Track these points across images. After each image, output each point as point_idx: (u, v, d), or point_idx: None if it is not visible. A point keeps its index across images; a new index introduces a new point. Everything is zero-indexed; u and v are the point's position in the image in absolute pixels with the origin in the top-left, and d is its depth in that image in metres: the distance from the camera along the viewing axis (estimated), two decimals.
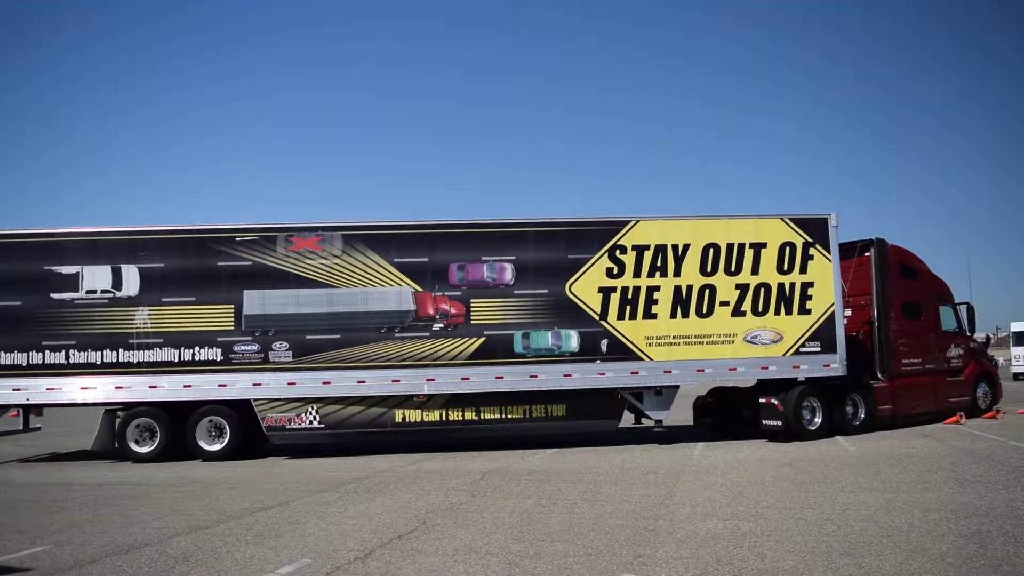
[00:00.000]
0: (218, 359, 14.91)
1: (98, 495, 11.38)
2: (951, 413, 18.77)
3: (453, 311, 15.29)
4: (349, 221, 15.61)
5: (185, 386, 14.87)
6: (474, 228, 15.80)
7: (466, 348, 15.23)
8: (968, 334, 20.09)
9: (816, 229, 16.49)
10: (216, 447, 15.06)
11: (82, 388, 14.88)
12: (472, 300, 15.34)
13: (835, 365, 16.32)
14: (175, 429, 15.01)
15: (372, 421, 15.16)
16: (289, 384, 14.95)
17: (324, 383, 14.97)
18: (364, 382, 15.02)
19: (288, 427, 15.00)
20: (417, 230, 15.73)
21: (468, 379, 15.18)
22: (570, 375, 15.42)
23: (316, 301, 15.10)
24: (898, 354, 17.83)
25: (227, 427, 15.05)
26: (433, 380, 15.12)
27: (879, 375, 17.51)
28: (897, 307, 17.90)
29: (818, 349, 16.24)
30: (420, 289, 15.27)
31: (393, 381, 15.05)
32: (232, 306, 14.99)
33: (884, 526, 7.92)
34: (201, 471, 13.76)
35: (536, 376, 15.33)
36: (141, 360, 14.84)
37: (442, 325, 15.26)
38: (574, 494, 10.38)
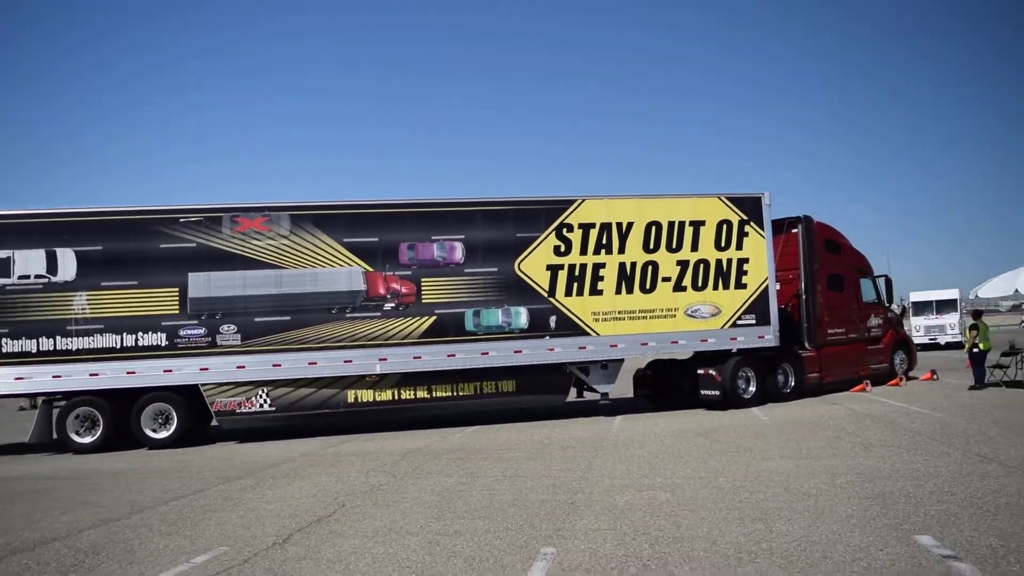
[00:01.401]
0: (163, 344, 14.52)
1: (3, 490, 10.94)
2: (878, 378, 19.90)
3: (404, 290, 15.29)
4: (297, 201, 15.41)
5: (128, 372, 14.42)
6: (424, 207, 15.81)
7: (418, 327, 15.27)
8: (886, 305, 21.25)
9: (751, 207, 17.15)
10: (163, 435, 14.70)
11: (16, 379, 14.26)
12: (423, 279, 15.38)
13: (769, 336, 17.09)
14: (119, 417, 14.58)
15: (324, 402, 15.06)
16: (239, 368, 14.70)
17: (274, 365, 14.78)
18: (315, 363, 14.89)
19: (238, 411, 14.78)
20: (367, 209, 15.63)
21: (420, 358, 15.24)
22: (520, 351, 15.66)
23: (264, 283, 14.86)
24: (824, 325, 18.74)
25: (173, 414, 14.71)
26: (385, 360, 15.12)
27: (807, 345, 18.36)
28: (823, 280, 18.77)
29: (753, 321, 16.96)
30: (371, 269, 15.21)
31: (345, 362, 14.98)
32: (176, 289, 14.60)
33: (794, 491, 8.22)
34: (126, 460, 13.40)
35: (487, 353, 15.51)
36: (80, 347, 14.30)
37: (393, 304, 15.25)
38: (495, 471, 10.44)
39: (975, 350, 18.52)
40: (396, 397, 15.37)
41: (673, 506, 7.76)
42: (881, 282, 21.03)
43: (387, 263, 15.29)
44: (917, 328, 38.46)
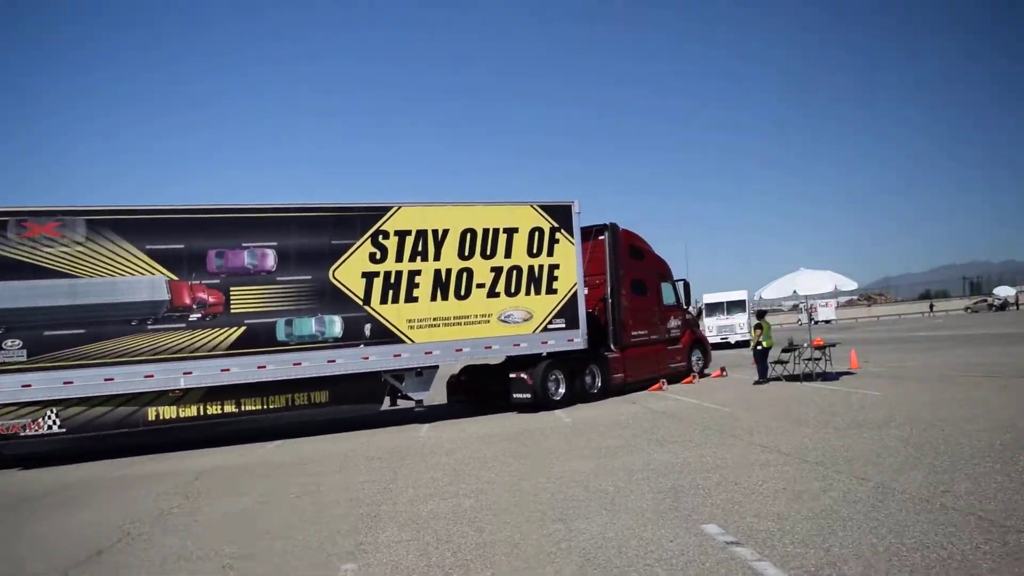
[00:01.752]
0: None
1: None
2: (678, 376, 21.19)
3: (212, 300, 14.66)
4: (93, 205, 14.35)
5: None
6: (233, 213, 15.20)
7: (226, 338, 14.70)
8: (684, 307, 22.65)
9: (561, 215, 17.79)
10: None
11: None
12: (232, 288, 14.79)
13: (578, 340, 17.80)
14: None
15: (121, 421, 14.16)
16: (24, 386, 13.48)
17: (65, 383, 13.69)
18: (112, 379, 13.96)
19: (23, 434, 13.63)
20: (171, 215, 14.82)
21: (229, 370, 14.68)
22: (334, 360, 15.43)
23: (55, 293, 13.75)
24: (628, 327, 19.77)
25: None
26: (191, 373, 14.44)
27: (612, 347, 19.32)
28: (627, 285, 19.80)
29: (563, 325, 17.61)
30: (175, 278, 14.43)
31: (146, 377, 14.15)
32: None
33: (593, 490, 8.52)
34: None
35: (300, 364, 15.17)
36: None
37: (200, 315, 14.58)
38: (295, 487, 10.18)
39: (759, 348, 19.88)
40: (202, 412, 14.72)
41: (477, 512, 7.89)
42: (680, 286, 22.40)
43: (194, 271, 14.58)
44: (710, 328, 39.90)
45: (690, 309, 23.77)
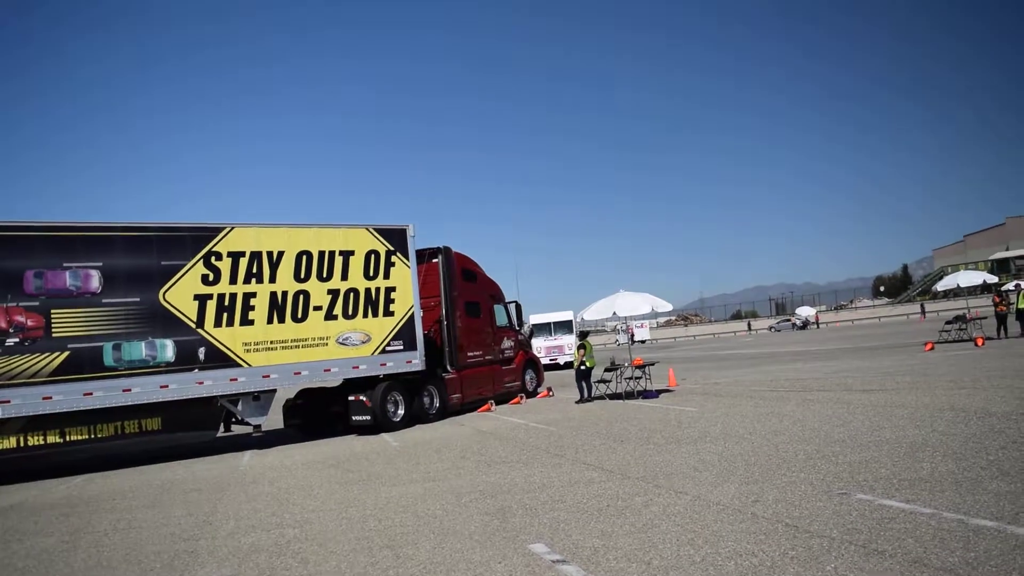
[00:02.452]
0: None
1: None
2: (510, 396, 21.80)
3: (30, 323, 13.84)
4: None
5: None
6: (53, 231, 14.40)
7: (47, 364, 13.89)
8: (517, 328, 23.44)
9: (397, 238, 18.13)
10: None
11: None
12: (53, 310, 14.02)
13: (416, 361, 18.12)
14: None
15: None
16: None
17: None
18: None
19: None
20: None
21: (51, 398, 13.86)
22: (167, 386, 14.94)
23: None
24: (463, 348, 20.27)
25: None
26: (8, 402, 13.53)
27: (449, 368, 19.73)
28: (461, 307, 20.33)
29: (401, 347, 17.88)
30: None
31: None
32: None
33: (421, 514, 8.46)
34: None
35: (130, 390, 14.56)
36: None
37: (17, 339, 13.71)
38: (105, 524, 9.60)
39: (582, 367, 20.35)
40: (22, 443, 13.78)
41: (301, 543, 7.71)
42: (512, 307, 23.19)
43: (9, 293, 13.72)
44: (538, 349, 38.24)
45: (522, 330, 24.57)
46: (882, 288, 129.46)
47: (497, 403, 21.00)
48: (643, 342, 73.03)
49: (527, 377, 23.47)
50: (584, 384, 20.29)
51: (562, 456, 11.66)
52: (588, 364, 20.38)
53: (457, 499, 9.13)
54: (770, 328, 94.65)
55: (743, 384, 21.06)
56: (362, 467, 12.55)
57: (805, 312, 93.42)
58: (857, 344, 38.28)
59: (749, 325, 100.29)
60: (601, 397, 20.28)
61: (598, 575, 5.89)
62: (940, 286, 35.31)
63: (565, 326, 40.91)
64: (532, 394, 23.20)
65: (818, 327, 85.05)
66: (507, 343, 22.67)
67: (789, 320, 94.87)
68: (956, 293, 67.04)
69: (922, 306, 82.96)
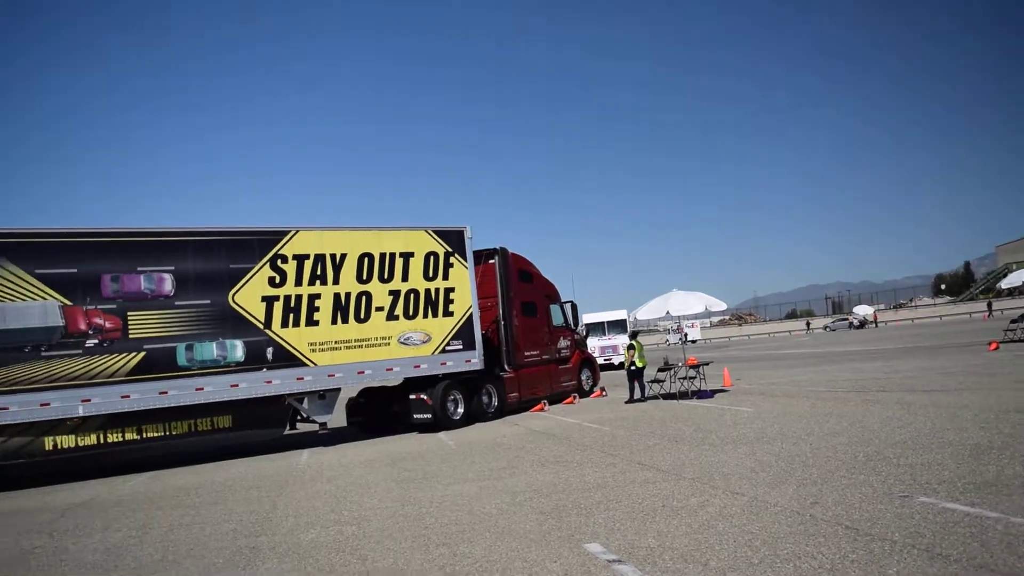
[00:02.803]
0: None
1: None
2: (566, 395, 22.01)
3: (108, 325, 14.48)
4: None
5: None
6: (128, 237, 15.06)
7: (125, 364, 14.52)
8: (573, 328, 23.62)
9: (455, 240, 18.48)
10: None
11: None
12: (129, 313, 14.66)
13: (475, 360, 18.45)
14: None
15: (15, 452, 13.76)
16: None
17: None
18: (7, 408, 13.56)
19: None
20: (62, 238, 14.50)
21: (129, 396, 14.49)
22: (237, 385, 15.48)
23: None
24: (520, 348, 20.54)
25: None
26: (89, 401, 14.18)
27: (506, 367, 20.00)
28: (518, 306, 20.60)
29: (460, 347, 18.22)
30: (69, 303, 14.21)
31: (42, 405, 13.81)
32: None
33: (476, 513, 8.52)
34: None
35: (202, 388, 15.14)
36: None
37: (97, 341, 14.36)
38: (170, 520, 9.84)
39: (632, 368, 20.35)
40: (102, 440, 14.45)
41: (359, 539, 7.80)
42: (568, 307, 23.38)
43: (88, 296, 14.39)
44: (592, 348, 36.01)
45: (578, 330, 24.75)
46: (943, 286, 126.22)
47: (552, 403, 21.14)
48: (694, 342, 72.42)
49: (583, 376, 23.64)
50: (636, 384, 20.32)
51: (616, 456, 11.71)
52: (639, 364, 20.38)
53: (512, 498, 9.18)
54: (824, 327, 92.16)
55: (800, 384, 20.87)
56: (418, 466, 12.73)
57: (863, 311, 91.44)
58: (917, 344, 37.57)
59: (808, 324, 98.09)
60: (655, 397, 20.34)
61: (654, 575, 5.89)
62: (1004, 283, 34.53)
63: (619, 325, 40.27)
64: (587, 394, 23.36)
65: (876, 326, 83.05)
66: (563, 342, 22.89)
67: (845, 319, 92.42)
68: (1021, 291, 65.17)
69: (989, 304, 79.97)
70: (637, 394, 20.20)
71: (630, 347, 20.91)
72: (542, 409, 20.37)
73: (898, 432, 11.31)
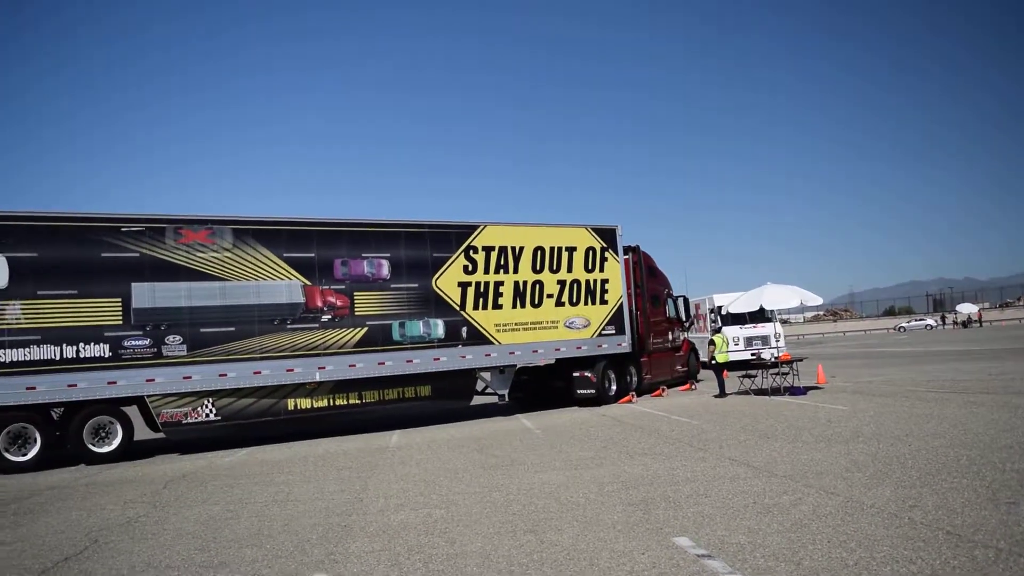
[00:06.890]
0: (106, 355, 14.20)
1: None
2: (681, 382, 23.99)
3: (339, 303, 16.35)
4: (239, 215, 15.86)
5: (69, 385, 13.92)
6: (355, 227, 16.98)
7: (352, 337, 16.40)
8: (683, 319, 25.62)
9: (608, 237, 20.49)
10: (105, 448, 14.38)
11: None
12: (355, 293, 16.56)
13: (625, 344, 20.47)
14: (58, 432, 14.08)
15: (266, 410, 15.63)
16: (185, 378, 14.80)
17: (221, 375, 15.08)
18: (260, 372, 15.43)
19: (185, 421, 14.87)
20: (304, 227, 16.41)
21: (355, 366, 16.41)
22: (439, 359, 17.40)
23: (209, 294, 15.14)
24: (649, 335, 22.50)
25: (117, 426, 14.48)
26: (324, 368, 16.06)
27: (643, 352, 21.97)
28: (649, 299, 22.57)
29: (613, 332, 20.22)
30: (308, 283, 16.09)
31: (288, 371, 15.70)
32: (119, 299, 14.37)
33: (564, 502, 8.48)
34: None
35: (412, 361, 17.06)
36: (14, 359, 13.60)
37: (329, 316, 16.24)
38: (265, 496, 10.05)
39: (713, 362, 20.21)
40: (331, 403, 16.33)
41: (447, 523, 7.84)
42: (680, 301, 25.35)
43: (323, 277, 16.27)
44: (735, 340, 28.69)
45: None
46: None
47: (638, 394, 21.07)
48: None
49: (691, 363, 25.71)
50: (720, 379, 20.22)
51: (706, 450, 11.53)
52: (719, 359, 20.11)
53: (600, 488, 9.13)
54: (896, 328, 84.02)
55: (897, 383, 20.21)
56: (505, 452, 12.82)
57: (967, 309, 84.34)
58: None
59: (900, 327, 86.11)
60: (746, 392, 20.27)
61: (745, 572, 5.71)
62: None
63: (758, 312, 30.73)
64: (695, 381, 25.17)
65: (980, 325, 77.09)
66: (677, 332, 24.90)
67: (946, 317, 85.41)
68: None
69: None
70: (722, 389, 20.07)
71: (711, 342, 20.82)
72: (630, 400, 20.23)
73: (1004, 436, 10.85)
